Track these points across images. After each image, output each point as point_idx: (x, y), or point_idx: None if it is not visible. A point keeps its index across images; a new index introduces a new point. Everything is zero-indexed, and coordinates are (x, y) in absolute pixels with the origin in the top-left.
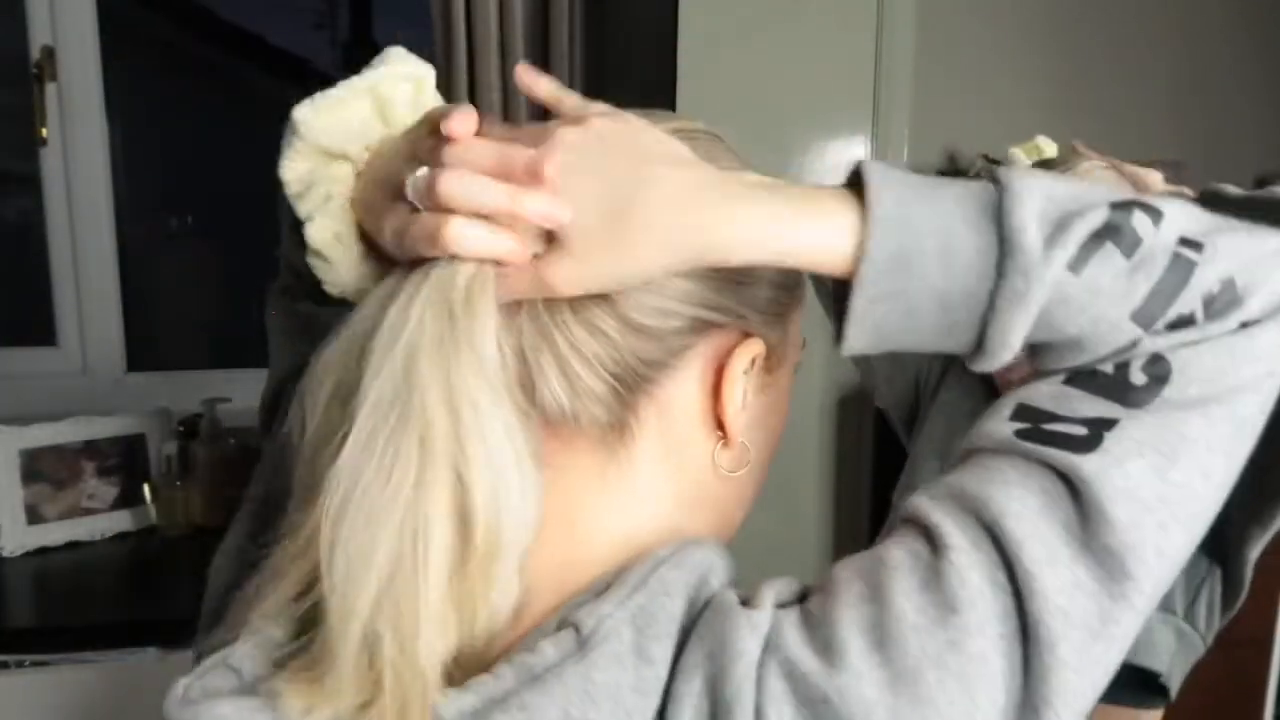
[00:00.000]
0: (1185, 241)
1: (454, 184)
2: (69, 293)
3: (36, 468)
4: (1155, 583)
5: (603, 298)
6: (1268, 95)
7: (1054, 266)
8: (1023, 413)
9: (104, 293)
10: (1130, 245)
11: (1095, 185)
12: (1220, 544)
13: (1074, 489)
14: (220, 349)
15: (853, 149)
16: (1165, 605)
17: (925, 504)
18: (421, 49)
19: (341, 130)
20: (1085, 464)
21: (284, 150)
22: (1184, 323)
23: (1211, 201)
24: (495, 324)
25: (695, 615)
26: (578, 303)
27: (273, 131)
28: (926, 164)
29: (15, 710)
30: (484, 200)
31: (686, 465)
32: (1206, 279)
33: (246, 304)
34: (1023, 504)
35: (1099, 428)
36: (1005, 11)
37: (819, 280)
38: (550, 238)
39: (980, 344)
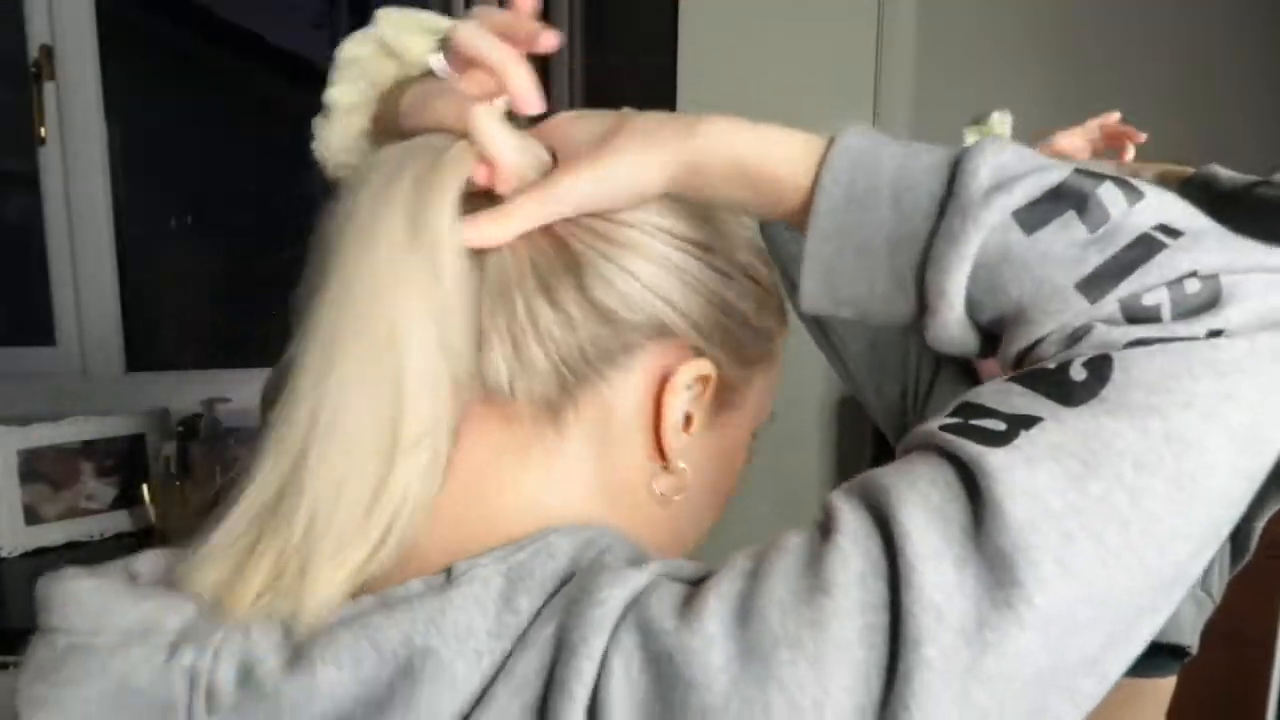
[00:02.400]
0: (1163, 228)
1: (467, 29)
2: (68, 292)
3: (35, 468)
4: (1055, 602)
5: (572, 278)
6: (1269, 96)
7: (994, 210)
8: (961, 409)
9: (103, 292)
10: (1095, 218)
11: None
12: None
13: (974, 484)
14: (219, 349)
15: None
16: None
17: (837, 495)
18: None
19: (407, 29)
20: (990, 457)
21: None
22: (1147, 317)
23: (1204, 186)
24: (453, 211)
25: (574, 577)
26: (547, 277)
27: (272, 131)
28: None
29: (14, 710)
30: (486, 52)
31: (619, 477)
32: (1177, 266)
33: (246, 304)
34: (923, 496)
35: (1019, 424)
36: (1005, 11)
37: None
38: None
39: (921, 297)
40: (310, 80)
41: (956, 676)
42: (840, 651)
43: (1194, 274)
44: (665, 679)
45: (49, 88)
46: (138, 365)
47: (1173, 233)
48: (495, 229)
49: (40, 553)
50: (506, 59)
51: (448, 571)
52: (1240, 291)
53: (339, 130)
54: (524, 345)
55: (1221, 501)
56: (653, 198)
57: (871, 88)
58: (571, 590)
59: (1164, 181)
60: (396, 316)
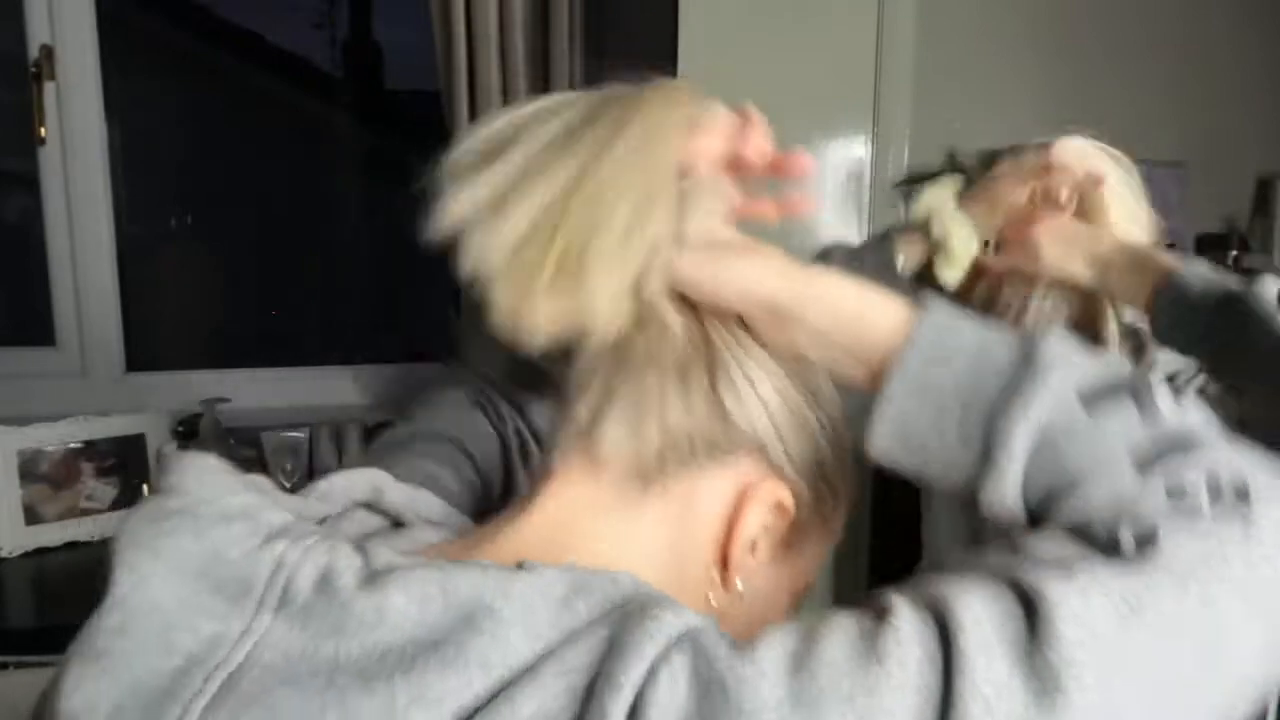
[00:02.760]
0: (1202, 430)
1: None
2: (68, 292)
3: (35, 468)
4: (1088, 713)
5: (708, 375)
6: (1269, 94)
7: (1062, 377)
8: (1009, 547)
9: (103, 292)
10: (1149, 412)
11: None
12: None
13: (1033, 607)
14: (219, 349)
15: (853, 148)
16: None
17: (886, 593)
18: (420, 49)
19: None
20: (1050, 584)
21: None
22: (1186, 503)
23: (1175, 300)
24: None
25: (632, 604)
26: (687, 366)
27: (272, 130)
28: (926, 162)
29: (15, 710)
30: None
31: (682, 563)
32: (1217, 462)
33: (246, 304)
34: (981, 606)
35: (1074, 562)
36: (1006, 10)
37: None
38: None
39: (987, 450)
40: (310, 80)
41: None
42: (885, 718)
43: (1227, 472)
44: (713, 701)
45: (49, 88)
46: (137, 365)
47: (1210, 435)
48: None
49: (40, 553)
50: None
51: (519, 565)
52: (1264, 496)
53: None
54: (644, 420)
55: (1240, 683)
56: (761, 303)
57: (872, 87)
58: (629, 607)
59: (1141, 271)
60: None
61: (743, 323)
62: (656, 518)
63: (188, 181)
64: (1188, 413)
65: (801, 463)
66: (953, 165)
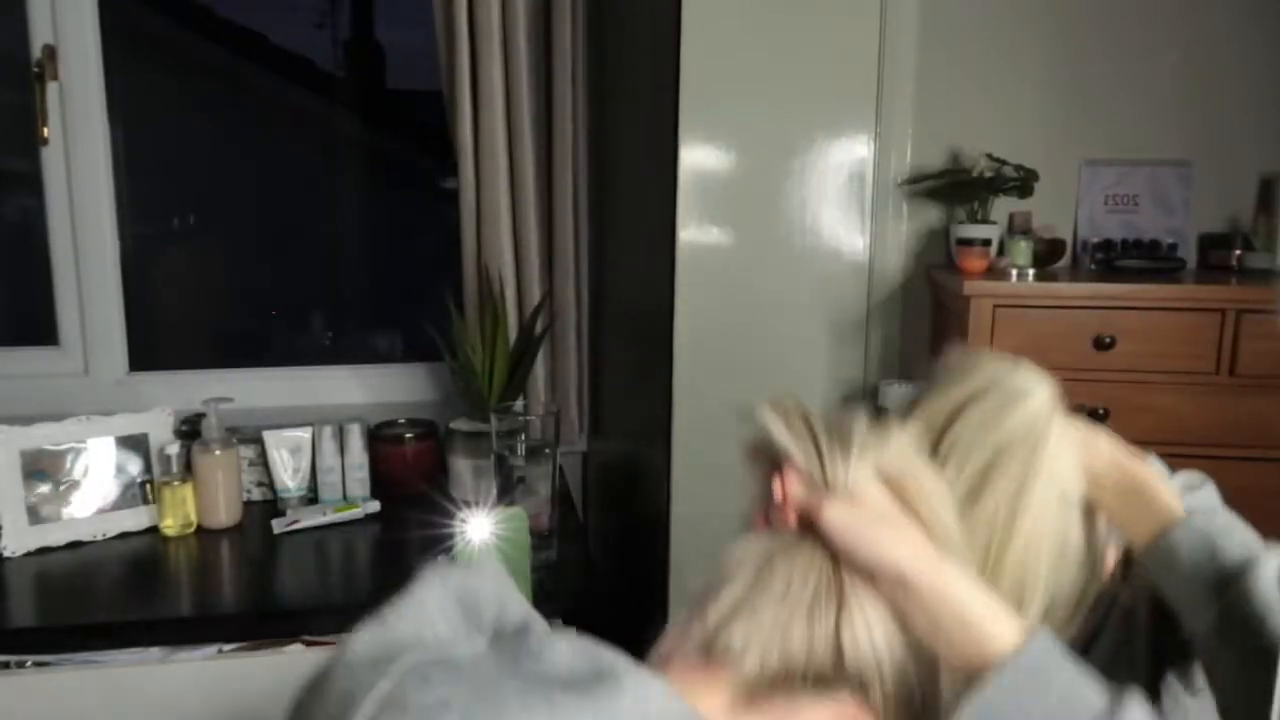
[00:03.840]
0: None
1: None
2: (70, 292)
3: (38, 468)
4: None
5: (834, 613)
6: (1273, 94)
7: None
8: None
9: (105, 292)
10: None
11: None
12: None
13: None
14: (222, 349)
15: (856, 147)
16: None
17: None
18: (423, 49)
19: None
20: None
21: None
22: None
23: (1166, 560)
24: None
25: None
26: (818, 602)
27: (274, 130)
28: (929, 162)
29: (15, 710)
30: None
31: None
32: None
33: (248, 304)
34: None
35: None
36: (1008, 9)
37: None
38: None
39: None
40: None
41: None
42: None
43: None
44: None
45: (52, 88)
46: (140, 365)
47: None
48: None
49: (43, 552)
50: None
51: None
52: None
53: None
54: (771, 643)
55: None
56: (887, 571)
57: (875, 86)
58: None
59: (1136, 503)
60: None
61: (871, 578)
62: None
63: (190, 181)
64: None
65: (897, 711)
66: (955, 165)
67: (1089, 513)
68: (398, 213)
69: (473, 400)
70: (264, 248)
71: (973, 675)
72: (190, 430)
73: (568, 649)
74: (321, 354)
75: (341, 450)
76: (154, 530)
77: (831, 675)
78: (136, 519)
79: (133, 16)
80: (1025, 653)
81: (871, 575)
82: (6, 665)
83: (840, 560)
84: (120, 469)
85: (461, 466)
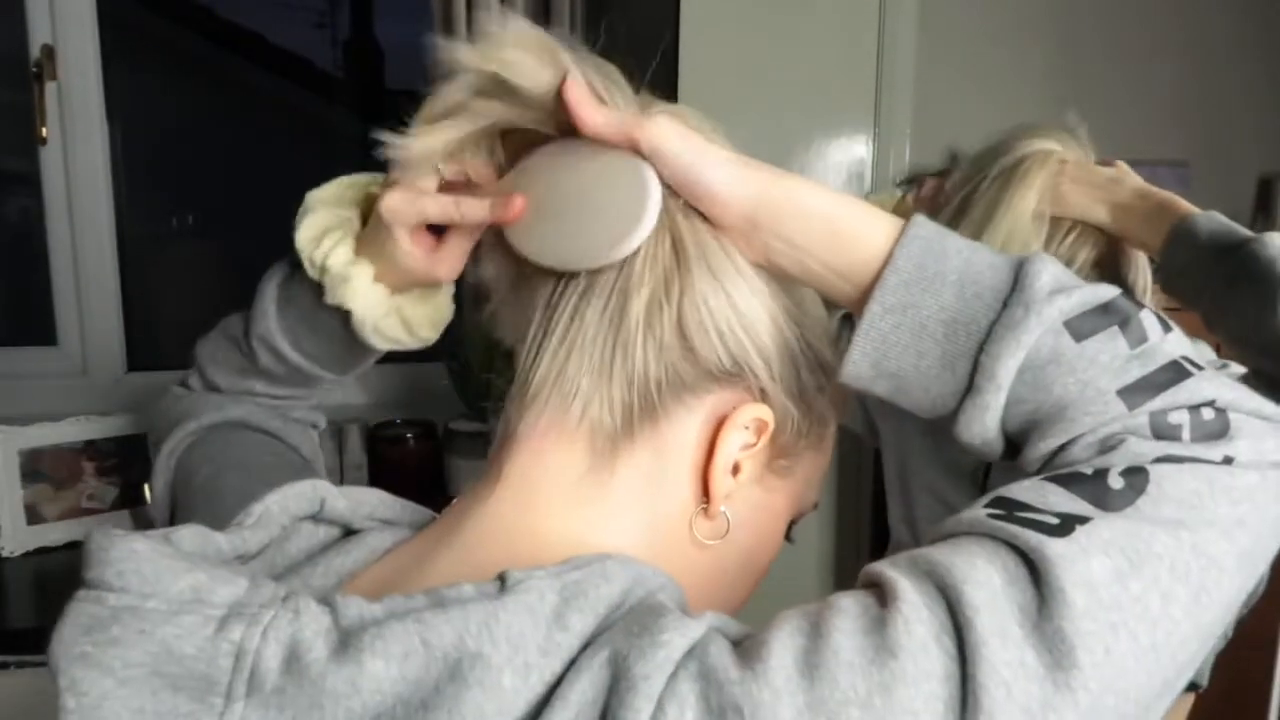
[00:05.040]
0: (1188, 360)
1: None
2: (69, 292)
3: (36, 468)
4: (1100, 683)
5: (675, 292)
6: (1271, 94)
7: (1053, 307)
8: (998, 502)
9: (104, 292)
10: (1135, 337)
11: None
12: None
13: (1036, 571)
14: None
15: (855, 146)
16: None
17: (882, 567)
18: (423, 49)
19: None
20: (1053, 545)
21: None
22: (1171, 434)
23: (1184, 238)
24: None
25: (627, 607)
26: (654, 290)
27: (273, 130)
28: (928, 162)
29: (15, 710)
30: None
31: (664, 515)
32: (1200, 392)
33: (247, 304)
34: (985, 575)
35: (1071, 521)
36: (1008, 8)
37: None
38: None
39: (971, 377)
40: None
41: None
42: (908, 717)
43: (1211, 404)
44: None
45: (50, 88)
46: (139, 365)
47: (1194, 364)
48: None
49: (42, 552)
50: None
51: (501, 579)
52: (1245, 429)
53: None
54: (613, 372)
55: (1223, 613)
56: (737, 209)
57: (873, 85)
58: (629, 623)
59: (1158, 218)
60: None
61: (713, 231)
62: (628, 482)
63: (189, 181)
64: (1177, 340)
65: (781, 378)
66: (954, 163)
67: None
68: None
69: (472, 400)
70: (263, 248)
71: (859, 288)
72: None
73: None
74: None
75: (340, 450)
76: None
77: (692, 380)
78: (135, 519)
79: (131, 16)
80: (909, 238)
81: (714, 212)
82: (6, 665)
83: (675, 222)
84: (118, 469)
85: (461, 466)
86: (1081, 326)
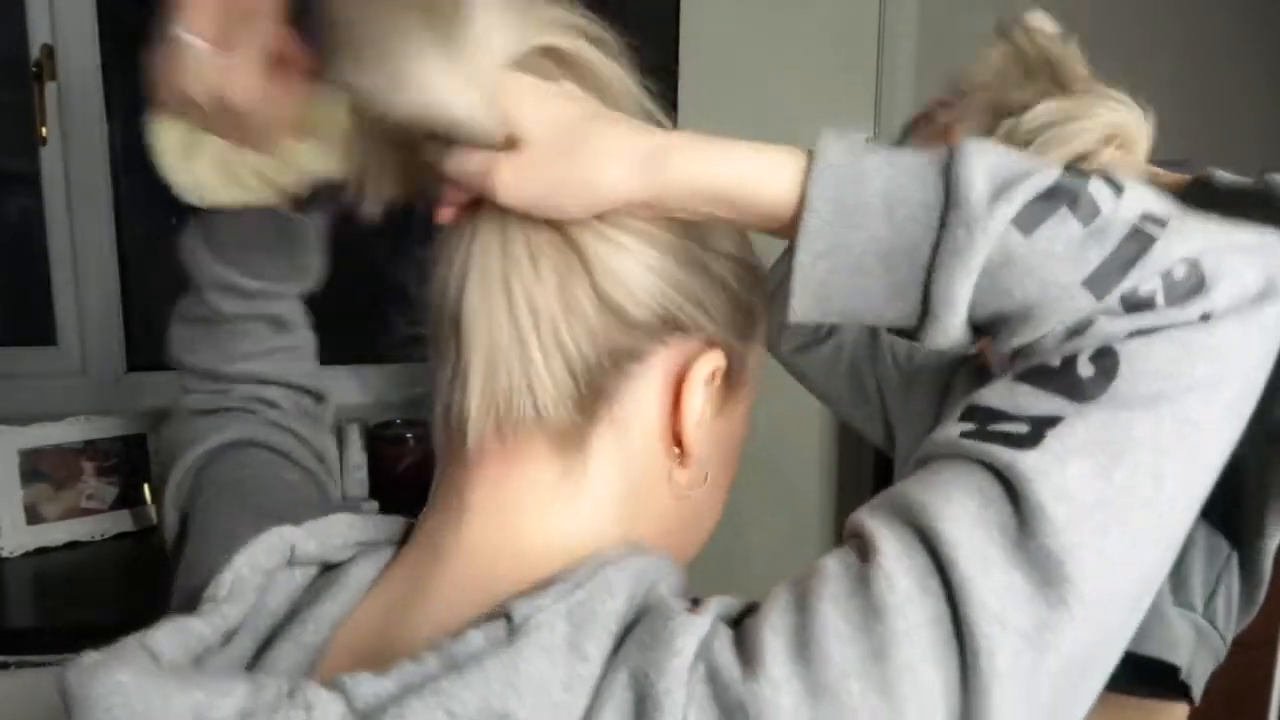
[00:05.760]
0: (1148, 217)
1: None
2: (69, 292)
3: (36, 468)
4: (1098, 591)
5: (580, 269)
6: (1271, 94)
7: (997, 219)
8: (971, 413)
9: (104, 292)
10: (1087, 213)
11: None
12: (1237, 526)
13: (1011, 488)
14: None
15: None
16: (1184, 600)
17: (863, 515)
18: None
19: None
20: (1024, 460)
21: None
22: (1143, 305)
23: (1202, 190)
24: None
25: (635, 617)
26: (559, 275)
27: None
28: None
29: (15, 710)
30: None
31: (641, 483)
32: (1169, 255)
33: None
34: (961, 506)
35: (1042, 425)
36: (1008, 9)
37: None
38: (510, 145)
39: (925, 305)
40: None
41: (1026, 680)
42: (909, 675)
43: (1181, 260)
44: None
45: (50, 87)
46: (139, 365)
47: (1157, 220)
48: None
49: (41, 552)
50: None
51: (507, 618)
52: (1223, 270)
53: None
54: (551, 367)
55: (1213, 470)
56: (612, 205)
57: (874, 85)
58: (642, 636)
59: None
60: None
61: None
62: (600, 458)
63: None
64: (1132, 199)
65: (713, 309)
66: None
67: None
68: (396, 211)
69: None
70: None
71: (786, 227)
72: None
73: None
74: (320, 353)
75: (340, 450)
76: (153, 530)
77: (631, 348)
78: (135, 519)
79: (131, 16)
80: (818, 171)
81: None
82: (5, 665)
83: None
84: (118, 469)
85: None
86: (1029, 219)
